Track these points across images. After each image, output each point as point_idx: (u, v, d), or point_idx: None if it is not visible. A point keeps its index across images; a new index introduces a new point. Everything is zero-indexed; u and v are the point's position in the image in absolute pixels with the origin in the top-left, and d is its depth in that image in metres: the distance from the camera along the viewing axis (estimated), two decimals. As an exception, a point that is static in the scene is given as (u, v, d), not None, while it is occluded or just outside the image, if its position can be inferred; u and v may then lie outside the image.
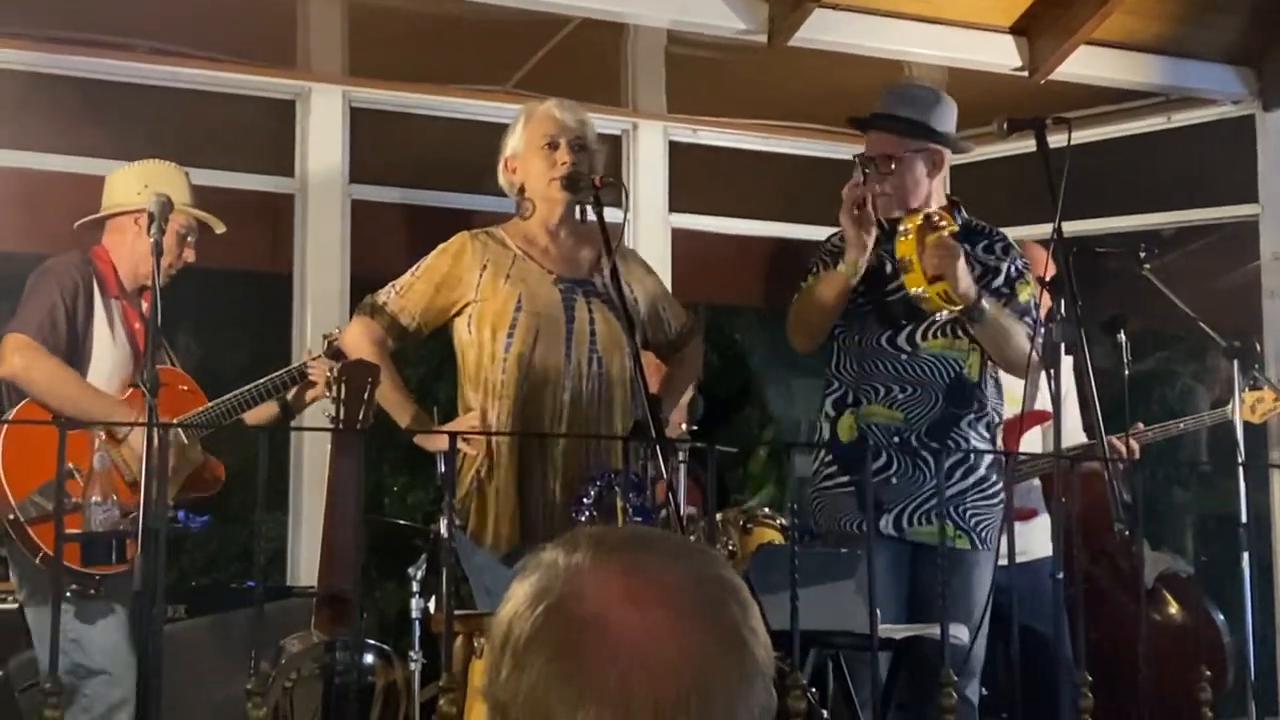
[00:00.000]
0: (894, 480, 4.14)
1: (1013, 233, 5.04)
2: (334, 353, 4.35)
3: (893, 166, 4.19)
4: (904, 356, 4.19)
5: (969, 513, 4.19)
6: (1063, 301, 3.81)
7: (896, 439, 4.16)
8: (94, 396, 4.09)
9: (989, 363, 4.24)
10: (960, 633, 3.79)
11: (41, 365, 4.06)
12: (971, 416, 4.24)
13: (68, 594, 3.80)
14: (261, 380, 4.35)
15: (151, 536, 3.15)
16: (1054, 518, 3.84)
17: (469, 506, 3.94)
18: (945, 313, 4.10)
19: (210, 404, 4.31)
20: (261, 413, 4.35)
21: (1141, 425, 4.86)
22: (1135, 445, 4.81)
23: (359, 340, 4.05)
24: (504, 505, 3.90)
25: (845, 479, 4.17)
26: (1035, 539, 4.74)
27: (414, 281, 4.06)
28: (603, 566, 1.31)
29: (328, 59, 5.80)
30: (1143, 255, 4.79)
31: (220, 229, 4.38)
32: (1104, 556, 5.18)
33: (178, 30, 5.36)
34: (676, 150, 6.31)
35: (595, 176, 3.95)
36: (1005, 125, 3.98)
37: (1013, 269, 4.28)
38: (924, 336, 4.21)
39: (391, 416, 4.03)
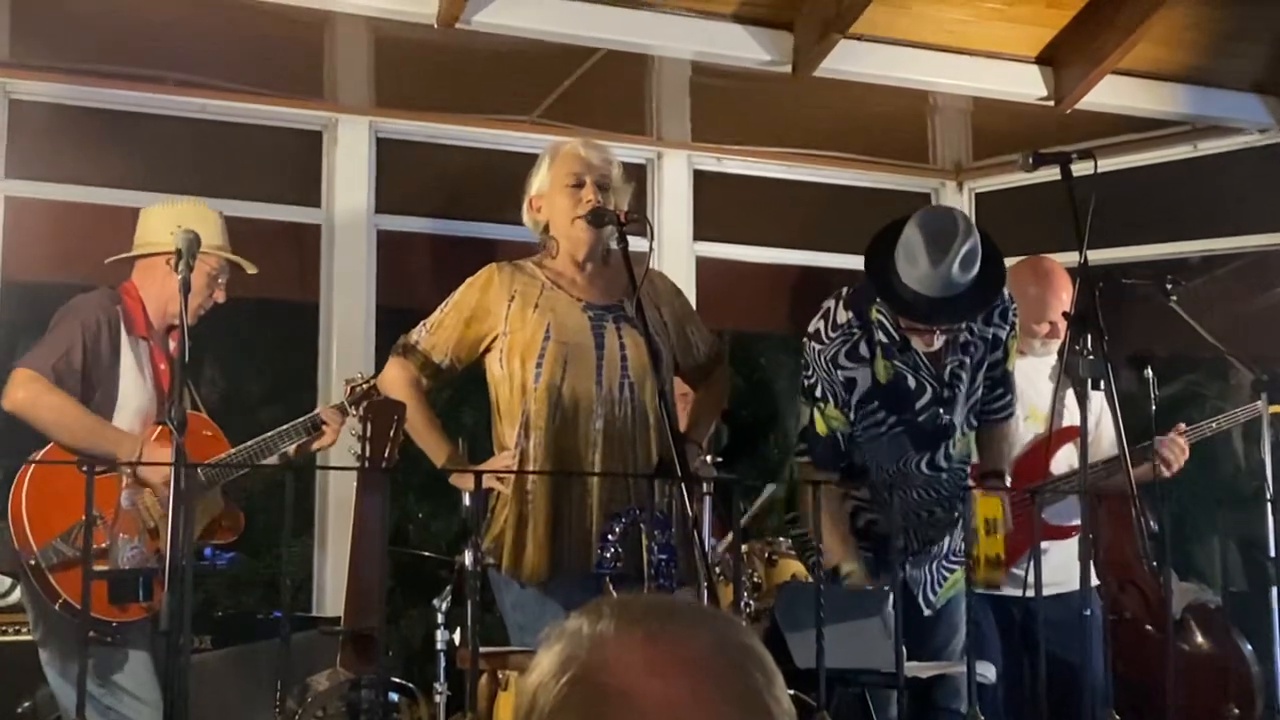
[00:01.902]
0: (911, 572, 4.12)
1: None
2: (357, 399, 4.35)
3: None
4: (944, 476, 4.12)
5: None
6: (1089, 337, 3.80)
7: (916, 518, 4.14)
8: (102, 430, 4.10)
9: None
10: (988, 671, 3.78)
11: (46, 399, 4.06)
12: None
13: (90, 634, 3.79)
14: (283, 427, 4.35)
15: (178, 574, 3.15)
16: (1083, 544, 3.80)
17: (503, 542, 3.93)
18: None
19: (231, 451, 4.31)
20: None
21: (1183, 426, 4.83)
22: (1185, 444, 4.77)
23: (395, 382, 4.06)
24: (539, 538, 3.89)
25: (864, 544, 4.09)
26: (1075, 568, 4.71)
27: (443, 318, 4.07)
28: (626, 636, 1.32)
29: (355, 90, 5.83)
30: (1169, 287, 4.77)
31: (252, 270, 4.39)
32: (1132, 586, 5.15)
33: (206, 62, 5.40)
34: (701, 179, 6.32)
35: (620, 212, 3.95)
36: (1031, 160, 3.97)
37: (1004, 332, 4.13)
38: (954, 446, 4.13)
39: (424, 451, 4.03)
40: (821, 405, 4.03)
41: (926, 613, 4.10)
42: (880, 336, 3.98)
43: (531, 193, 4.12)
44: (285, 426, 4.34)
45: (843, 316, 4.03)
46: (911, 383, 4.02)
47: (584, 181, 4.03)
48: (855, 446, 4.08)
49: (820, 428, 4.05)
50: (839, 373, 4.00)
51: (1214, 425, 5.01)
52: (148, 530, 4.04)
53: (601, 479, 3.90)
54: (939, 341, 3.95)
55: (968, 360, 4.07)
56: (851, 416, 4.01)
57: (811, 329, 4.07)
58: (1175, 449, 4.69)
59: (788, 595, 3.95)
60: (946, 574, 4.16)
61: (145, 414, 4.24)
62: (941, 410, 4.03)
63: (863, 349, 4.01)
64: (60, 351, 4.11)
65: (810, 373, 4.05)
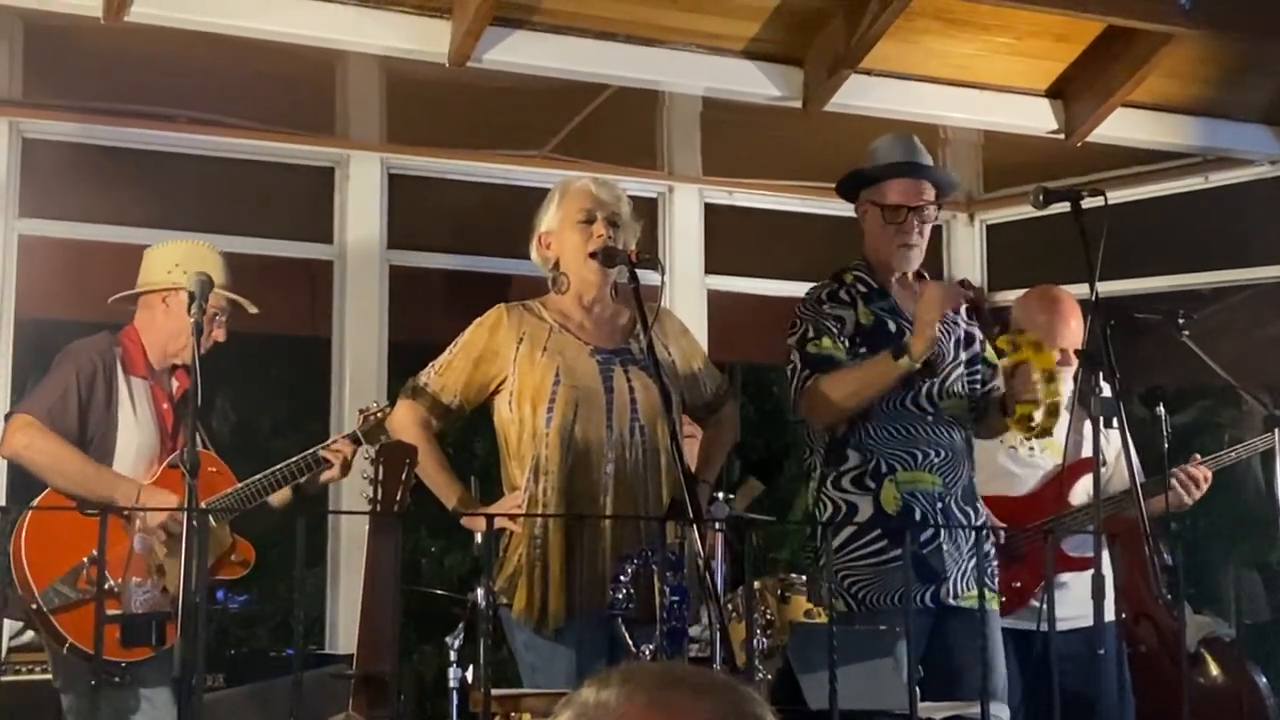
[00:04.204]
0: (945, 547, 4.09)
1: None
2: (369, 428, 4.37)
3: (932, 213, 4.27)
4: (929, 418, 4.15)
5: (994, 574, 4.21)
6: (1100, 375, 3.80)
7: (940, 504, 4.12)
8: (98, 474, 4.13)
9: None
10: (1002, 712, 3.76)
11: (42, 444, 4.11)
12: (976, 478, 4.27)
13: (93, 682, 3.81)
14: (290, 460, 4.37)
15: (191, 618, 3.15)
16: (1094, 579, 3.77)
17: (516, 584, 3.92)
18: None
19: (238, 485, 4.32)
20: (275, 499, 4.37)
21: (1199, 457, 4.84)
22: (1208, 473, 4.77)
23: (404, 423, 4.06)
24: (554, 582, 3.88)
25: (897, 551, 3.97)
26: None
27: (452, 359, 4.07)
28: (628, 704, 1.32)
29: (366, 127, 5.85)
30: (1181, 322, 4.77)
31: (253, 310, 4.42)
32: (1146, 620, 5.14)
33: (218, 100, 5.43)
34: (712, 212, 6.33)
35: (631, 251, 3.95)
36: (1042, 197, 3.97)
37: (977, 331, 4.34)
38: (940, 396, 4.18)
39: (435, 494, 4.03)
40: (816, 340, 4.15)
41: (950, 602, 4.06)
42: (859, 286, 4.23)
43: (541, 229, 4.13)
44: (292, 460, 4.36)
45: (822, 283, 4.30)
46: (892, 326, 4.18)
47: (594, 218, 4.04)
48: None
49: (814, 351, 4.15)
50: (826, 308, 4.20)
51: (1232, 455, 5.00)
52: (155, 570, 4.06)
53: (614, 524, 3.89)
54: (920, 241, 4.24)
55: (943, 328, 4.19)
56: (846, 346, 4.15)
57: None
58: (1198, 478, 4.70)
59: (800, 636, 3.93)
60: (974, 585, 4.11)
61: (148, 454, 4.27)
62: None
63: (843, 294, 4.23)
64: (55, 396, 4.16)
65: (800, 325, 4.20)
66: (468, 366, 4.04)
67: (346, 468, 4.36)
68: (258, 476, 4.34)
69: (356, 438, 4.41)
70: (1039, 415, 3.99)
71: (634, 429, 3.97)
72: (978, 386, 4.31)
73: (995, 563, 4.25)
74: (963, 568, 4.12)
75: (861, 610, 4.06)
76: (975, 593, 4.05)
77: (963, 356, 4.28)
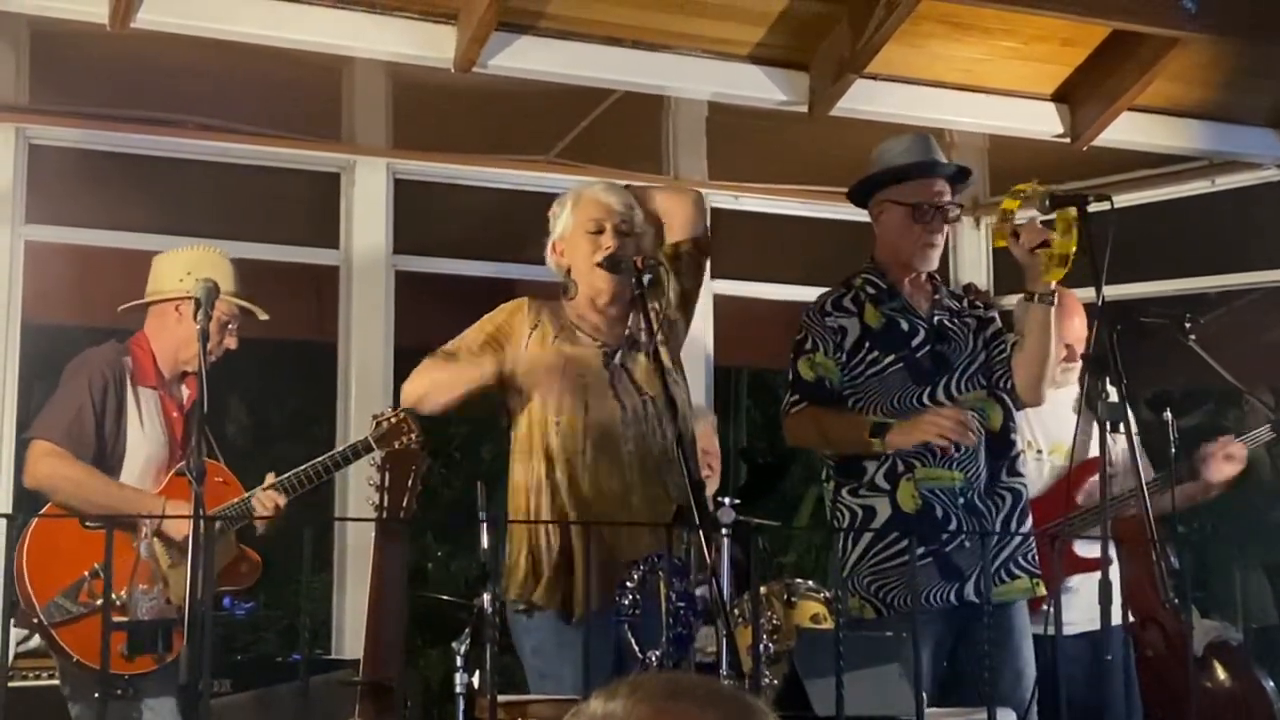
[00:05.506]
0: (967, 544, 4.03)
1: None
2: (382, 434, 4.36)
3: (954, 212, 4.27)
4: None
5: (1033, 555, 4.17)
6: (1107, 379, 3.80)
7: (961, 500, 4.08)
8: (121, 497, 4.11)
9: (1007, 408, 4.24)
10: (1008, 718, 3.76)
11: (66, 472, 4.09)
12: (1008, 463, 4.22)
13: (96, 694, 3.82)
14: (301, 468, 4.36)
15: (197, 624, 3.15)
16: (1101, 584, 3.77)
17: (527, 584, 3.93)
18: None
19: (245, 495, 4.31)
20: None
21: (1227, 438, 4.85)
22: (1243, 449, 4.79)
23: (418, 372, 4.09)
24: (580, 573, 3.87)
25: (920, 550, 3.91)
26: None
27: (468, 331, 4.12)
28: (634, 715, 1.33)
29: (372, 132, 5.86)
30: (1187, 325, 4.77)
31: (263, 317, 4.41)
32: (1153, 624, 5.14)
33: (224, 106, 5.44)
34: (718, 216, 6.32)
35: (637, 259, 3.96)
36: (1048, 202, 3.97)
37: (992, 314, 4.35)
38: (958, 389, 4.16)
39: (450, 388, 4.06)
40: (810, 354, 4.16)
41: (972, 598, 4.01)
42: (868, 289, 4.21)
43: (554, 237, 4.15)
44: (302, 468, 4.36)
45: (830, 289, 4.29)
46: (904, 325, 4.19)
47: (604, 228, 4.05)
48: (854, 390, 4.14)
49: (806, 374, 4.16)
50: (826, 320, 4.18)
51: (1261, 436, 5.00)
52: (161, 579, 4.05)
53: (638, 506, 3.89)
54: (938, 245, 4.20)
55: (960, 322, 4.24)
56: (843, 361, 4.14)
57: None
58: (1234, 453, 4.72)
59: (806, 642, 3.93)
60: (1007, 577, 4.12)
61: (156, 463, 4.26)
62: (937, 347, 4.17)
63: (848, 302, 4.21)
64: (71, 413, 4.14)
65: (801, 333, 4.20)
66: (481, 336, 4.08)
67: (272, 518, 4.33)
68: (264, 486, 4.33)
69: (289, 487, 4.34)
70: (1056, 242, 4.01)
71: (644, 401, 4.01)
72: (1006, 353, 4.26)
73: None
74: (994, 561, 4.06)
75: (891, 614, 4.01)
76: (1015, 583, 4.07)
77: (981, 345, 4.25)
